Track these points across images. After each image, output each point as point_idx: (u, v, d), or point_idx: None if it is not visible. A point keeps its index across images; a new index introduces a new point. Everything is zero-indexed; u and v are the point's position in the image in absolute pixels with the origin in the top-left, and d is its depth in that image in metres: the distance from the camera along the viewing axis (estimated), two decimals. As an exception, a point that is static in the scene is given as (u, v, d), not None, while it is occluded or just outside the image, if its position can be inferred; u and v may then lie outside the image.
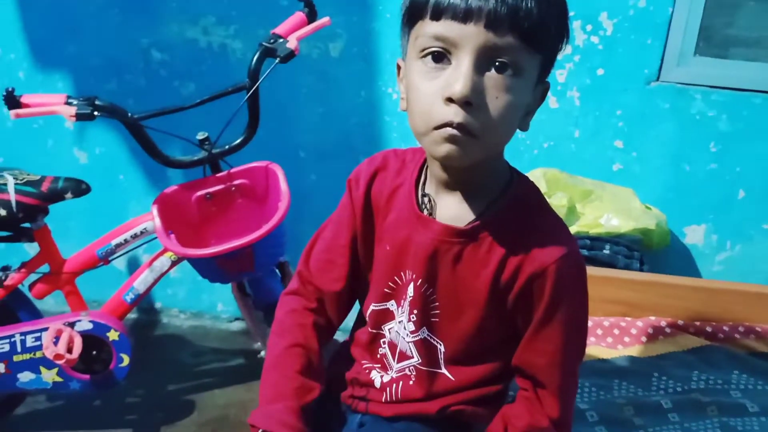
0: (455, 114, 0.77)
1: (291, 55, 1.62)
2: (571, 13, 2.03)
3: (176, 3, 2.14)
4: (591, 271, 1.68)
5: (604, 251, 1.91)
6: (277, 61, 1.62)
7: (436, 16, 0.77)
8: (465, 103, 0.76)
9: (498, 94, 0.77)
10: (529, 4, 0.75)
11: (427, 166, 0.95)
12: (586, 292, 0.92)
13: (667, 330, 1.48)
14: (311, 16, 1.74)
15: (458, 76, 0.76)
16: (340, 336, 1.14)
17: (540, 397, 0.93)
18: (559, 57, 0.87)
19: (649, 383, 1.33)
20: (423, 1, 0.79)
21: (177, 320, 2.52)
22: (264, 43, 1.65)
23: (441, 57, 0.78)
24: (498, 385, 1.00)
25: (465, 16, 0.75)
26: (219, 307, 2.52)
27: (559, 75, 2.11)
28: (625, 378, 1.34)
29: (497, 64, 0.77)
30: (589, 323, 1.50)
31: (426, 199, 0.93)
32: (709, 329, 1.50)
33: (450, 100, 0.77)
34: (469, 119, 0.77)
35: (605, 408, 1.25)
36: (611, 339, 1.48)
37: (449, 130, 0.78)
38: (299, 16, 1.73)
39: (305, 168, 2.24)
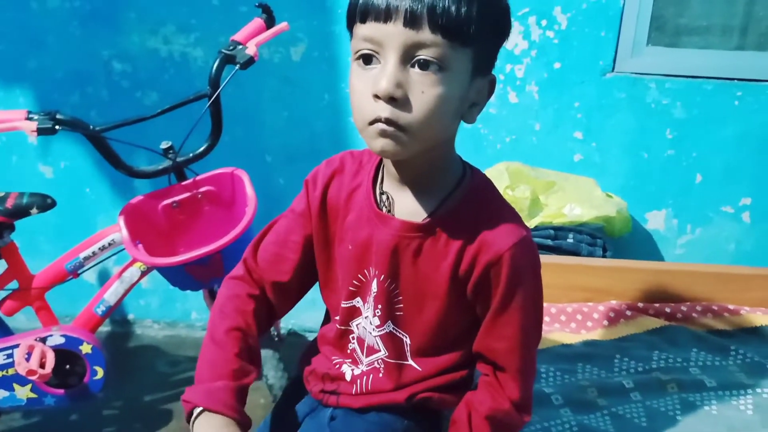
0: (383, 110, 0.81)
1: (250, 61, 1.63)
2: (525, 9, 2.08)
3: (135, 13, 2.14)
4: (554, 259, 1.74)
5: (568, 240, 1.96)
6: (237, 67, 1.63)
7: (363, 18, 0.82)
8: (390, 99, 0.80)
9: (424, 89, 0.81)
10: (445, 1, 0.78)
11: (383, 166, 0.98)
12: (540, 276, 0.95)
13: (628, 313, 1.53)
14: (269, 22, 1.76)
15: (383, 74, 0.80)
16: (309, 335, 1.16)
17: (500, 381, 0.97)
18: (509, 47, 0.90)
19: (612, 365, 1.37)
20: (354, 5, 0.84)
21: (151, 330, 2.52)
22: (223, 51, 1.66)
23: (369, 58, 0.83)
24: (463, 371, 1.03)
25: (386, 16, 0.79)
26: (193, 316, 2.52)
27: (517, 70, 2.15)
28: (589, 361, 1.38)
29: (421, 60, 0.80)
30: (553, 310, 1.55)
31: (384, 197, 0.96)
32: (668, 310, 1.55)
33: (377, 96, 0.81)
34: (397, 113, 0.81)
35: (570, 391, 1.28)
36: (575, 324, 1.52)
37: (380, 125, 0.81)
38: (258, 22, 1.75)
39: (273, 172, 2.26)
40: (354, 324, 1.04)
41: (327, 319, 1.11)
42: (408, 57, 0.80)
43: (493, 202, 0.95)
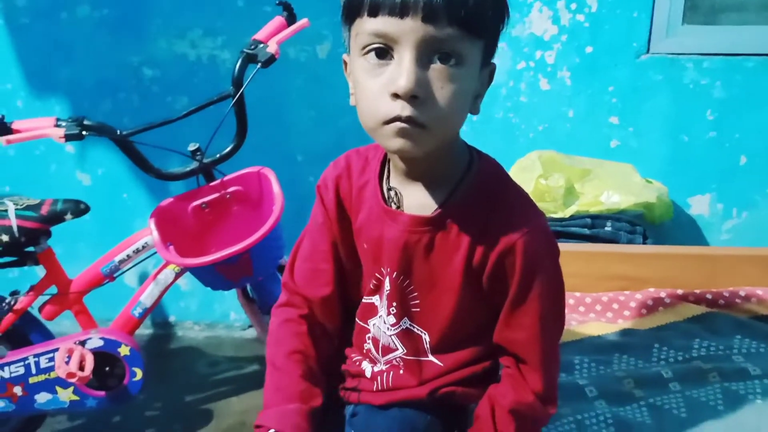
0: (402, 108, 0.77)
1: (272, 59, 1.63)
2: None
3: (162, 19, 2.17)
4: (587, 247, 1.69)
5: (606, 228, 1.90)
6: (258, 66, 1.63)
7: (374, 12, 0.77)
8: (411, 97, 0.76)
9: (443, 84, 0.78)
10: None
11: (389, 160, 0.95)
12: (558, 263, 0.92)
13: (667, 300, 1.47)
14: (290, 20, 1.75)
15: (402, 71, 0.76)
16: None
17: (523, 373, 0.94)
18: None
19: (650, 355, 1.32)
20: None
21: (191, 332, 2.55)
22: (245, 50, 1.66)
23: (383, 53, 0.78)
24: (485, 363, 1.00)
25: (402, 10, 0.75)
26: (232, 316, 2.54)
27: (547, 56, 2.11)
28: (626, 351, 1.33)
29: (439, 55, 0.77)
30: (587, 299, 1.50)
31: (392, 193, 0.94)
32: (709, 296, 1.48)
33: (396, 95, 0.77)
34: (417, 112, 0.77)
35: (605, 382, 1.23)
36: (611, 314, 1.47)
37: (399, 124, 0.78)
38: (278, 20, 1.74)
39: (303, 171, 2.26)
40: (371, 323, 1.03)
41: (349, 317, 1.09)
42: (425, 52, 0.77)
43: (503, 189, 0.92)
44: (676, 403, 1.19)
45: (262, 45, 1.65)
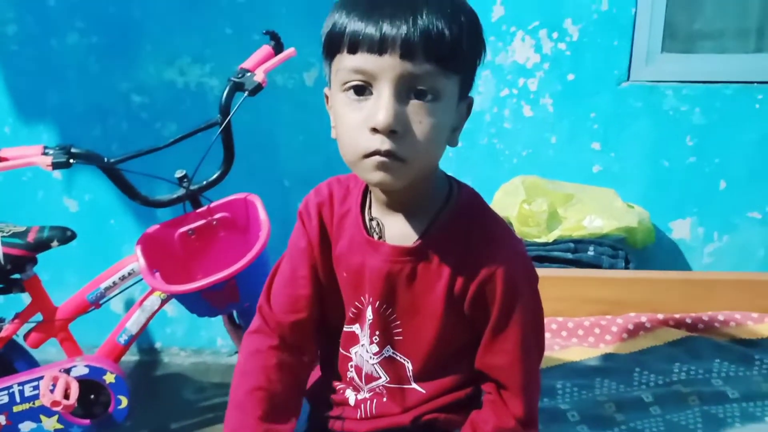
0: (381, 142, 0.79)
1: (258, 87, 1.65)
2: (535, 23, 2.08)
3: (151, 45, 2.20)
4: (569, 272, 1.72)
5: (589, 252, 1.92)
6: (245, 94, 1.65)
7: (353, 49, 0.79)
8: (390, 132, 0.78)
9: (421, 119, 0.80)
10: (439, 28, 0.77)
11: (370, 191, 0.97)
12: (536, 289, 0.94)
13: (647, 325, 1.49)
14: (278, 49, 1.78)
15: (380, 106, 0.78)
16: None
17: (504, 399, 0.95)
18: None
19: (631, 379, 1.34)
20: (338, 34, 0.80)
21: (178, 358, 2.54)
22: (232, 78, 1.68)
23: (362, 89, 0.80)
24: (468, 389, 1.01)
25: (380, 47, 0.77)
26: (218, 342, 2.54)
27: (530, 83, 2.14)
28: (607, 376, 1.34)
29: (416, 91, 0.79)
30: (570, 324, 1.52)
31: (374, 223, 0.95)
32: (689, 320, 1.50)
33: (375, 129, 0.78)
34: (396, 146, 0.79)
35: (586, 407, 1.25)
36: (593, 338, 1.49)
37: (378, 158, 0.80)
38: (266, 49, 1.77)
39: (291, 196, 2.28)
40: (353, 351, 1.03)
41: (329, 344, 1.08)
42: (403, 88, 0.79)
43: (482, 217, 0.94)
44: (657, 427, 1.20)
45: (249, 73, 1.68)
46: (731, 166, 2.14)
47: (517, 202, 1.97)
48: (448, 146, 0.88)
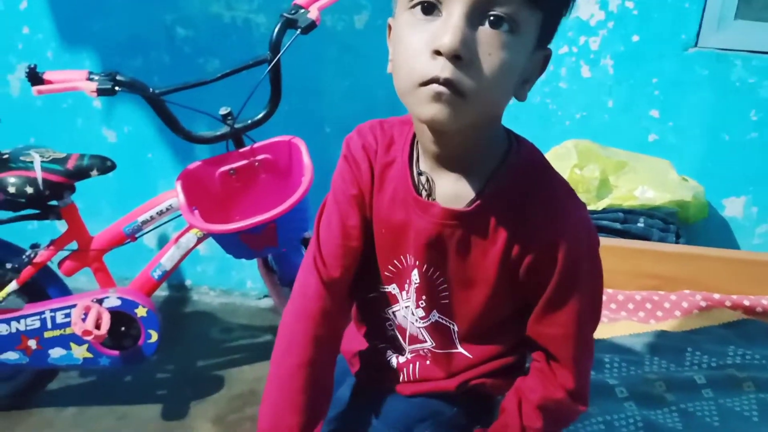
0: (442, 69, 0.69)
1: (312, 25, 1.58)
2: (604, -22, 1.92)
3: (199, -24, 2.12)
4: (622, 243, 1.65)
5: (638, 224, 1.85)
6: (298, 32, 1.59)
7: None
8: (454, 57, 0.69)
9: (491, 50, 0.70)
10: None
11: (417, 143, 0.87)
12: (599, 259, 0.87)
13: (702, 303, 1.42)
14: (333, -14, 1.70)
15: (448, 27, 0.69)
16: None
17: (553, 369, 0.90)
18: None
19: (683, 358, 1.28)
20: None
21: (207, 297, 2.53)
22: (285, 15, 1.62)
23: (431, 8, 0.71)
24: (516, 355, 0.97)
25: None
26: (248, 284, 2.52)
27: (592, 42, 2.04)
28: (657, 353, 1.29)
29: (492, 18, 0.70)
30: (620, 297, 1.46)
31: (423, 179, 0.86)
32: (746, 303, 1.44)
33: (437, 53, 0.69)
34: (458, 75, 0.69)
35: (635, 383, 1.20)
36: (643, 313, 1.44)
37: (435, 87, 0.70)
38: (320, -15, 1.69)
39: (331, 143, 2.22)
40: (391, 312, 0.98)
41: (364, 302, 1.02)
42: (477, 12, 0.69)
43: (544, 179, 0.85)
44: (709, 410, 1.15)
45: (302, 10, 1.61)
46: (795, 145, 2.03)
47: (568, 167, 1.89)
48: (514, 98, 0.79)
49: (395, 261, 0.92)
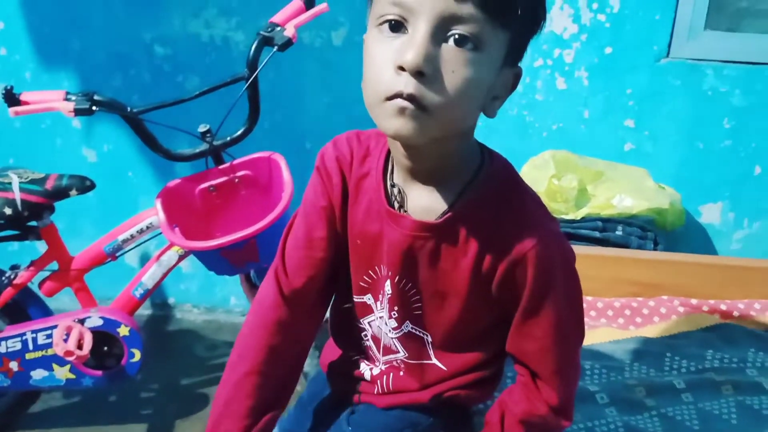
0: (406, 84, 0.70)
1: (288, 43, 1.59)
2: (577, -9, 1.96)
3: (177, -5, 2.13)
4: (600, 251, 1.67)
5: (617, 232, 1.88)
6: (274, 49, 1.60)
7: None
8: (417, 73, 0.70)
9: (455, 67, 0.71)
10: None
11: (391, 156, 0.88)
12: (574, 270, 0.87)
13: (681, 309, 1.44)
14: (309, 4, 1.71)
15: (412, 44, 0.70)
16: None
17: (537, 384, 0.90)
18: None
19: (662, 363, 1.30)
20: None
21: (190, 315, 2.52)
22: (262, 32, 1.62)
23: (398, 26, 0.72)
24: (492, 367, 0.97)
25: None
26: (232, 301, 2.52)
27: (566, 55, 2.07)
28: (637, 359, 1.31)
29: (456, 36, 0.71)
30: (599, 304, 1.48)
31: (395, 191, 0.87)
32: (723, 307, 1.46)
33: (401, 68, 0.70)
34: (422, 90, 0.70)
35: (616, 389, 1.22)
36: (623, 320, 1.45)
37: (399, 102, 0.71)
38: (297, 3, 1.70)
39: (311, 158, 2.20)
40: (366, 322, 0.98)
41: (339, 313, 1.03)
42: (442, 29, 0.71)
43: (515, 192, 0.86)
44: (689, 414, 1.17)
45: (279, 28, 1.62)
46: (768, 152, 2.07)
47: (546, 177, 1.91)
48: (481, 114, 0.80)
49: (370, 271, 0.93)
